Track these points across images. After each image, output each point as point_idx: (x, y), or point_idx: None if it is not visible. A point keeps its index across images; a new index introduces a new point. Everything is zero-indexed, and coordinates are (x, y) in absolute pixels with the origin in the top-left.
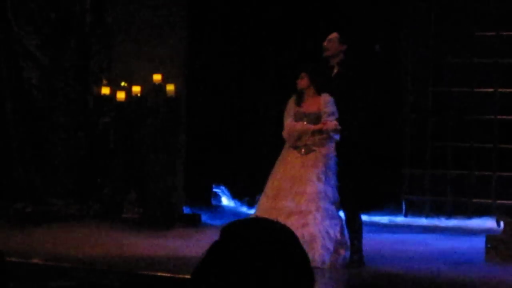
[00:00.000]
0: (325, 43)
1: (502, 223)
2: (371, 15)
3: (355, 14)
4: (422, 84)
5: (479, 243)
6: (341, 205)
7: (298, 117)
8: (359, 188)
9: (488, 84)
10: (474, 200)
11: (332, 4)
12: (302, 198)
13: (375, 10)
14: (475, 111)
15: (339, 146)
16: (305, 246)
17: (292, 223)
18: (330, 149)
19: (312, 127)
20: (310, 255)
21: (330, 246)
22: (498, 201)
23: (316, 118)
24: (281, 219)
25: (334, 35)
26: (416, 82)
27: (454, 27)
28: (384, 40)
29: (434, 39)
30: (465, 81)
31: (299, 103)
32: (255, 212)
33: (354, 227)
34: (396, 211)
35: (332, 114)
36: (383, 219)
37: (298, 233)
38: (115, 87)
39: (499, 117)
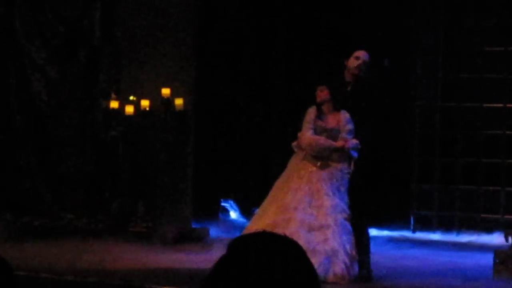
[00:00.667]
0: (360, 62)
1: (510, 239)
2: (380, 30)
3: (365, 27)
4: (430, 99)
5: (488, 258)
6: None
7: (318, 131)
8: (369, 203)
9: (497, 100)
10: (483, 215)
11: (341, 18)
12: (320, 212)
13: (384, 25)
14: (483, 126)
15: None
16: (328, 261)
17: (313, 237)
18: (345, 164)
19: (334, 144)
20: (331, 270)
21: (347, 260)
22: (507, 216)
23: (335, 134)
24: (302, 233)
25: (367, 57)
26: (425, 97)
27: (463, 43)
28: (392, 55)
29: (443, 54)
30: (474, 96)
31: (320, 116)
32: (257, 219)
33: (363, 242)
34: (404, 226)
35: (351, 132)
36: (391, 234)
37: (321, 247)
38: (123, 101)
39: (507, 132)
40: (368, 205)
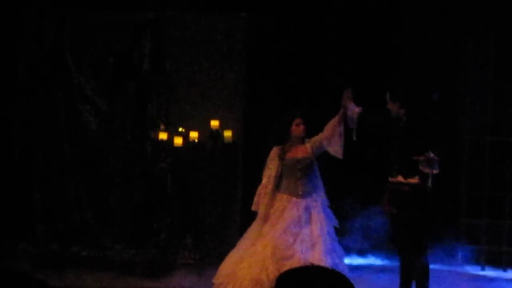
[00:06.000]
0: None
1: None
2: (430, 63)
3: (414, 59)
4: (479, 133)
5: None
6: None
7: (289, 164)
8: (427, 237)
9: None
10: None
11: (390, 50)
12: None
13: (434, 58)
14: None
15: (407, 192)
16: None
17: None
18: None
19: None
20: None
21: None
22: None
23: (308, 161)
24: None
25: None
26: (474, 131)
27: None
28: (441, 88)
29: (493, 88)
30: None
31: (283, 153)
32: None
33: (420, 273)
34: (452, 261)
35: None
36: (439, 268)
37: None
38: (172, 133)
39: None
40: (427, 239)
